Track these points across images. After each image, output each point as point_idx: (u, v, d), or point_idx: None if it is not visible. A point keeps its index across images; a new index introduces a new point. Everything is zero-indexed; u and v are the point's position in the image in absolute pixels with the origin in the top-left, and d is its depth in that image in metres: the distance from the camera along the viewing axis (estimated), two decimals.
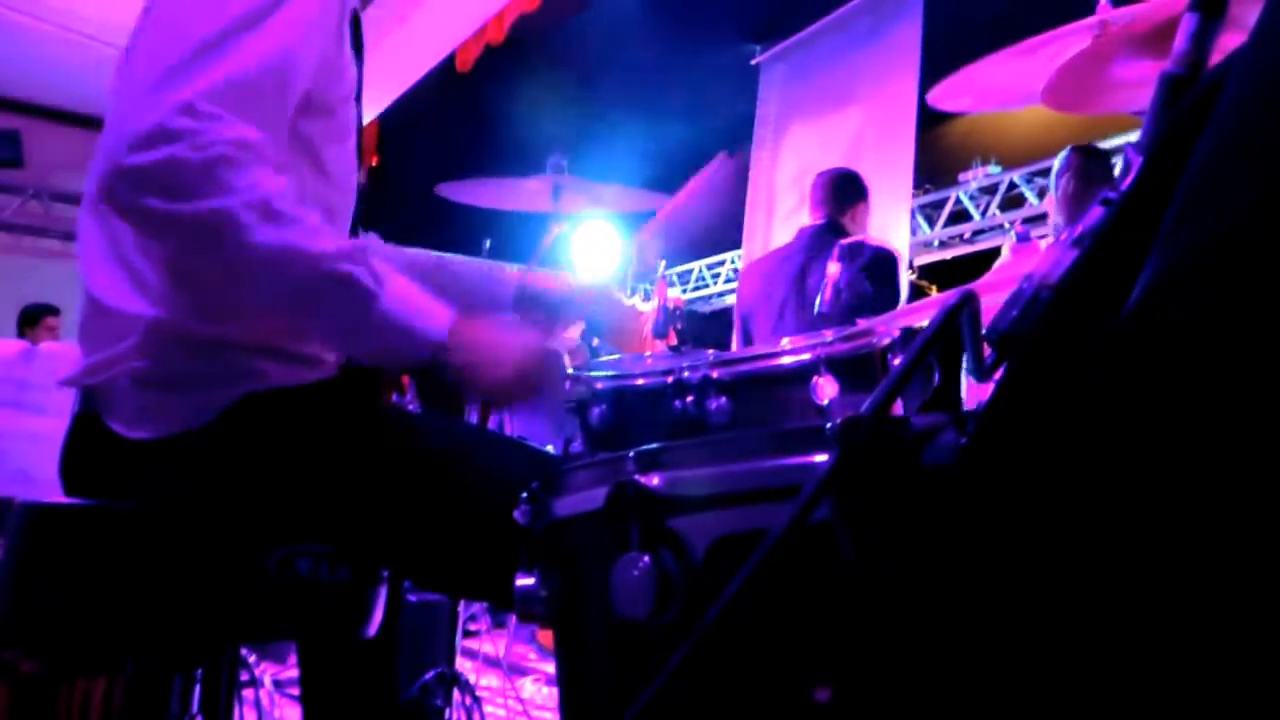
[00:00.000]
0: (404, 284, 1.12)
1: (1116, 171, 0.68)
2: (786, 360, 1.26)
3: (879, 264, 2.78)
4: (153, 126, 1.01)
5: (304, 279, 1.06)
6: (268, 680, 2.46)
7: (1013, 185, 6.11)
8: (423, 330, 1.11)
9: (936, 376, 1.13)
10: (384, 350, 1.12)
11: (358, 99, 1.35)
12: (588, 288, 1.31)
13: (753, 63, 6.49)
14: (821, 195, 3.45)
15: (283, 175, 1.09)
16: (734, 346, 3.74)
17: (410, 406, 1.71)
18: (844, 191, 3.44)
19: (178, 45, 1.06)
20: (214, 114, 1.03)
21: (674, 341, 1.75)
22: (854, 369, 1.24)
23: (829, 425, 0.69)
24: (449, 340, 1.12)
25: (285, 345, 1.20)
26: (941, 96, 1.88)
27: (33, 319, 5.67)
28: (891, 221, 5.11)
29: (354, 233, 1.39)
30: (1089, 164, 2.96)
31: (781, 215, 6.12)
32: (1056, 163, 3.06)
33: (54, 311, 5.70)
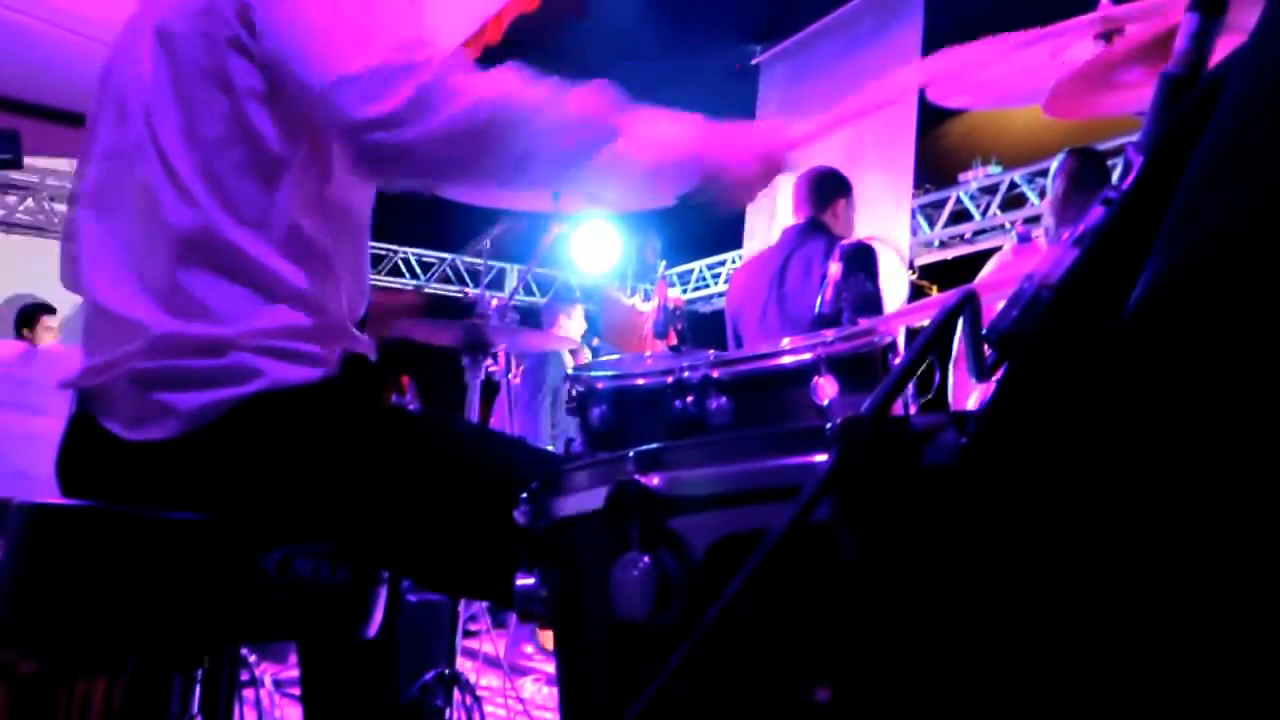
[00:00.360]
0: (652, 115, 1.23)
1: (1114, 173, 0.68)
2: (787, 360, 1.26)
3: (857, 256, 2.81)
4: (372, 73, 1.07)
5: (561, 122, 1.15)
6: (268, 680, 2.46)
7: (1013, 185, 6.11)
8: (682, 158, 1.23)
9: (938, 376, 1.13)
10: (641, 184, 1.25)
11: None
12: None
13: (753, 62, 6.49)
14: (804, 194, 3.49)
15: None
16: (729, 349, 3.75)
17: (410, 406, 1.70)
18: (823, 189, 3.47)
19: (345, 13, 1.11)
20: (409, 50, 1.10)
21: (674, 341, 1.75)
22: (854, 369, 1.24)
23: (829, 425, 0.69)
24: (703, 156, 1.24)
25: (286, 344, 1.20)
26: (940, 93, 1.88)
27: (29, 318, 5.68)
28: (892, 221, 5.11)
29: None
30: (1082, 167, 2.96)
31: (784, 216, 6.12)
32: (1053, 164, 3.08)
33: (50, 310, 5.70)
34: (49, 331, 5.60)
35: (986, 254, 5.84)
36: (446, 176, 1.21)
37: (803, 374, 1.23)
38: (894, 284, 3.19)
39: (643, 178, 1.23)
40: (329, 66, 1.10)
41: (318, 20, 1.12)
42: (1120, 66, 1.28)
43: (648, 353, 1.68)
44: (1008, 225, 5.92)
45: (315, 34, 1.12)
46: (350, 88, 1.07)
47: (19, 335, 5.61)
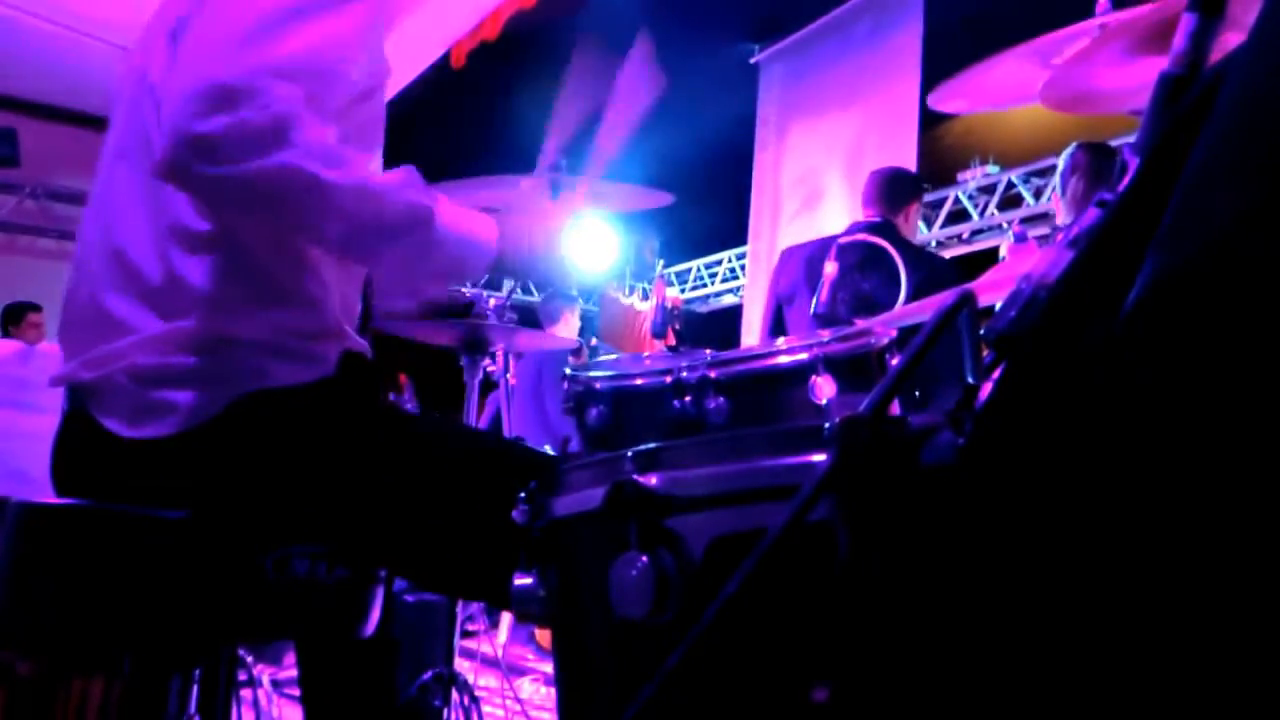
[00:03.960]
0: (447, 201, 1.20)
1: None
2: (784, 360, 1.26)
3: (866, 261, 2.79)
4: (215, 92, 1.03)
5: (378, 211, 1.13)
6: (266, 680, 2.46)
7: (1011, 185, 6.11)
8: (485, 239, 1.22)
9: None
10: (454, 265, 1.21)
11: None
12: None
13: (751, 62, 6.49)
14: (875, 193, 3.43)
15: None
16: (757, 332, 3.68)
17: (408, 406, 1.70)
18: (899, 191, 3.43)
19: (239, 22, 1.09)
20: (274, 82, 1.06)
21: (672, 341, 1.75)
22: (852, 369, 1.23)
23: (827, 425, 0.69)
24: (501, 241, 1.24)
25: (285, 343, 1.19)
26: (941, 99, 1.88)
27: (15, 316, 5.68)
28: None
29: None
30: (1097, 161, 2.85)
31: (787, 216, 6.13)
32: (1062, 162, 2.93)
33: (36, 309, 5.71)
34: (35, 329, 5.60)
35: (984, 254, 5.85)
36: (255, 224, 1.19)
37: (800, 373, 1.23)
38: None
39: (449, 263, 1.21)
40: (192, 59, 1.08)
41: (221, 13, 1.11)
42: (1116, 56, 1.28)
43: (645, 352, 1.68)
44: (1005, 225, 5.92)
45: (209, 23, 1.11)
46: (188, 95, 1.04)
47: (5, 333, 5.60)
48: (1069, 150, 2.93)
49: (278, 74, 1.07)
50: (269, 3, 1.10)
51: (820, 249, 3.42)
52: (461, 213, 1.21)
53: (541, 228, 1.31)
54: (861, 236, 2.84)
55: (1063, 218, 2.96)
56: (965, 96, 1.91)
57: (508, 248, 1.25)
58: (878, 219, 3.35)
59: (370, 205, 1.12)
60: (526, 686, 3.61)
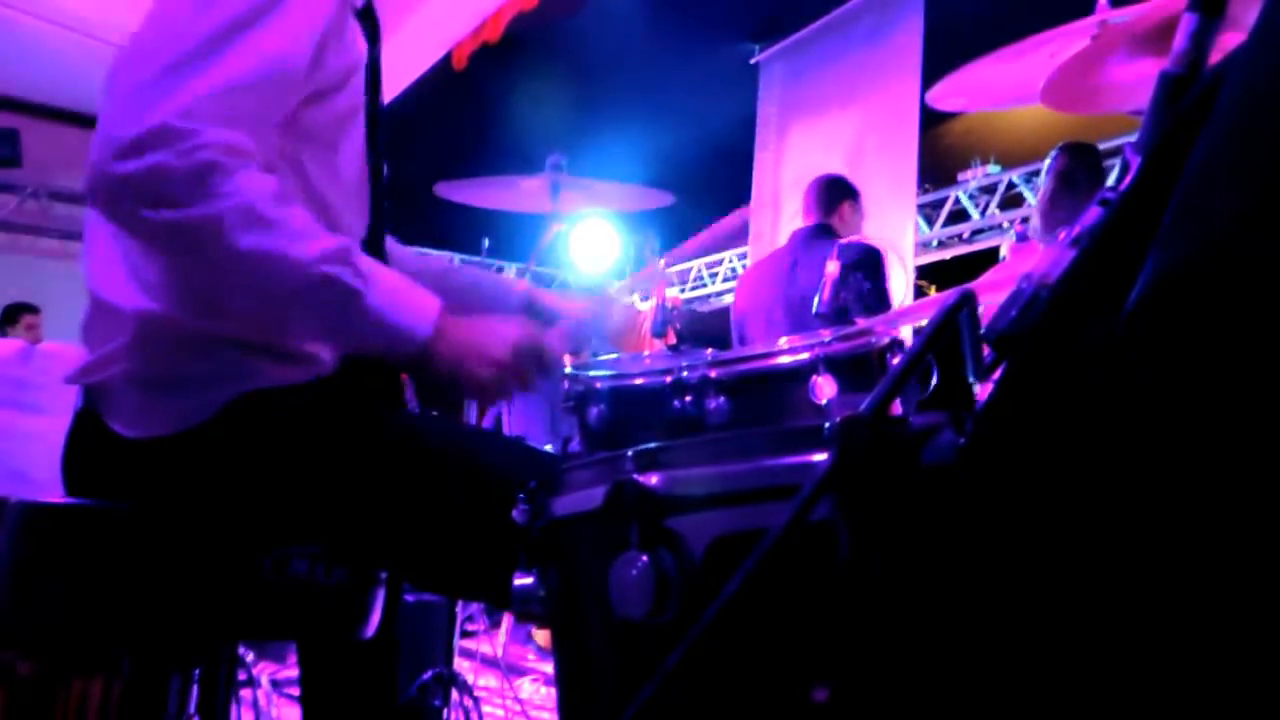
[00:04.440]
0: (393, 280, 1.13)
1: (1111, 172, 0.67)
2: (785, 360, 1.26)
3: (864, 261, 2.89)
4: (140, 133, 1.00)
5: (287, 283, 1.06)
6: (265, 680, 2.46)
7: (1012, 185, 6.10)
8: (409, 328, 1.12)
9: (935, 376, 1.12)
10: (371, 348, 1.13)
11: (375, 86, 1.33)
12: (593, 306, 1.30)
13: (751, 62, 6.48)
14: (811, 199, 3.70)
15: (272, 175, 1.08)
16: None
17: (408, 405, 1.70)
18: (830, 193, 3.68)
19: (168, 48, 1.06)
20: (204, 119, 1.02)
21: (672, 341, 1.75)
22: (852, 368, 1.23)
23: (827, 424, 0.69)
24: (434, 336, 1.12)
25: (282, 343, 1.19)
26: (940, 96, 1.88)
27: (12, 317, 5.69)
28: (896, 222, 5.10)
29: (373, 227, 1.37)
30: (1072, 165, 2.84)
31: (788, 216, 6.12)
32: (1046, 161, 2.97)
33: (33, 310, 5.71)
34: (30, 331, 5.60)
35: (985, 254, 5.84)
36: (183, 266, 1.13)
37: (801, 373, 1.23)
38: (895, 285, 3.21)
39: (361, 339, 1.12)
40: (119, 90, 1.04)
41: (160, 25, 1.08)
42: (1115, 56, 1.28)
43: (646, 352, 1.68)
44: (1006, 225, 5.92)
45: (137, 49, 1.07)
46: (111, 132, 1.00)
47: (1, 334, 5.61)
48: (1053, 152, 2.93)
49: (209, 110, 1.03)
50: (197, 26, 1.07)
51: (766, 267, 3.75)
52: (402, 297, 1.12)
53: (497, 338, 1.19)
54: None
55: (1033, 220, 2.96)
56: (964, 94, 1.91)
57: (442, 350, 1.13)
58: (813, 222, 3.64)
59: (279, 276, 1.06)
60: (526, 686, 3.61)
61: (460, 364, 1.15)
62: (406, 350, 1.12)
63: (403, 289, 1.13)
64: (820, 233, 3.53)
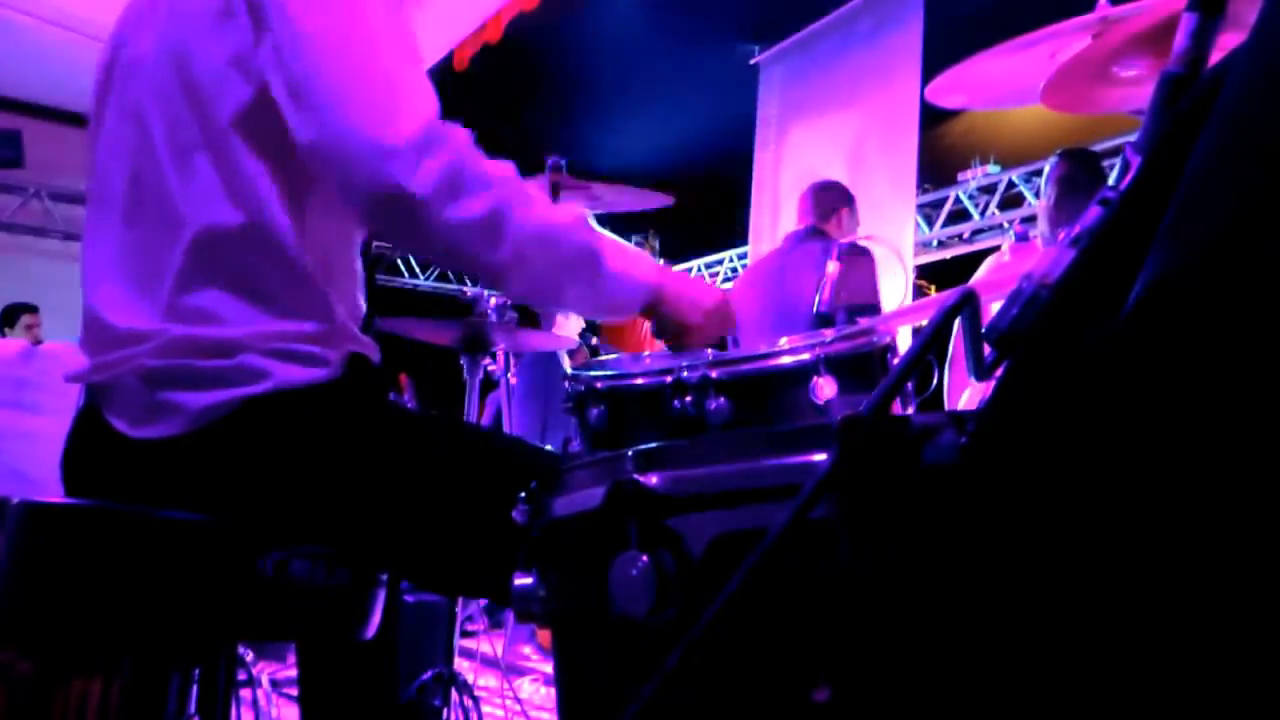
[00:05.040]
0: (611, 240, 1.23)
1: (1111, 173, 0.67)
2: (785, 360, 1.26)
3: (855, 256, 2.96)
4: (414, 138, 1.05)
5: (562, 250, 1.17)
6: (265, 680, 2.46)
7: (1012, 185, 6.10)
8: (644, 279, 1.24)
9: (936, 375, 1.13)
10: (612, 302, 1.24)
11: None
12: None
13: (751, 62, 6.48)
14: (807, 204, 3.79)
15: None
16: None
17: (408, 405, 1.70)
18: (826, 199, 3.78)
19: (386, 49, 1.11)
20: (436, 113, 1.09)
21: None
22: (853, 368, 1.23)
23: (828, 424, 0.69)
24: (660, 283, 1.26)
25: (293, 346, 1.19)
26: (939, 91, 1.88)
27: (10, 318, 5.70)
28: (896, 222, 5.11)
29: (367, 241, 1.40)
30: (1074, 171, 2.88)
31: (788, 216, 6.11)
32: (1047, 167, 3.01)
33: (32, 310, 5.72)
34: (29, 331, 5.61)
35: (985, 253, 5.84)
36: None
37: (801, 374, 1.23)
38: (894, 285, 3.21)
39: (612, 294, 1.23)
40: (361, 116, 1.06)
41: (340, 49, 1.10)
42: (1116, 55, 1.28)
43: (646, 352, 1.68)
44: (1006, 225, 5.92)
45: (339, 66, 1.09)
46: (394, 157, 1.04)
47: (0, 334, 5.62)
48: (1053, 159, 2.97)
49: (434, 101, 1.09)
50: (395, 19, 1.13)
51: (758, 270, 3.85)
52: (626, 253, 1.24)
53: (707, 290, 1.32)
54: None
55: (1040, 225, 2.99)
56: (964, 90, 1.91)
57: (666, 298, 1.26)
58: (807, 226, 3.71)
59: (557, 246, 1.16)
60: (526, 686, 3.61)
61: (678, 307, 1.28)
62: (640, 300, 1.25)
63: (622, 246, 1.25)
64: (810, 235, 3.61)
